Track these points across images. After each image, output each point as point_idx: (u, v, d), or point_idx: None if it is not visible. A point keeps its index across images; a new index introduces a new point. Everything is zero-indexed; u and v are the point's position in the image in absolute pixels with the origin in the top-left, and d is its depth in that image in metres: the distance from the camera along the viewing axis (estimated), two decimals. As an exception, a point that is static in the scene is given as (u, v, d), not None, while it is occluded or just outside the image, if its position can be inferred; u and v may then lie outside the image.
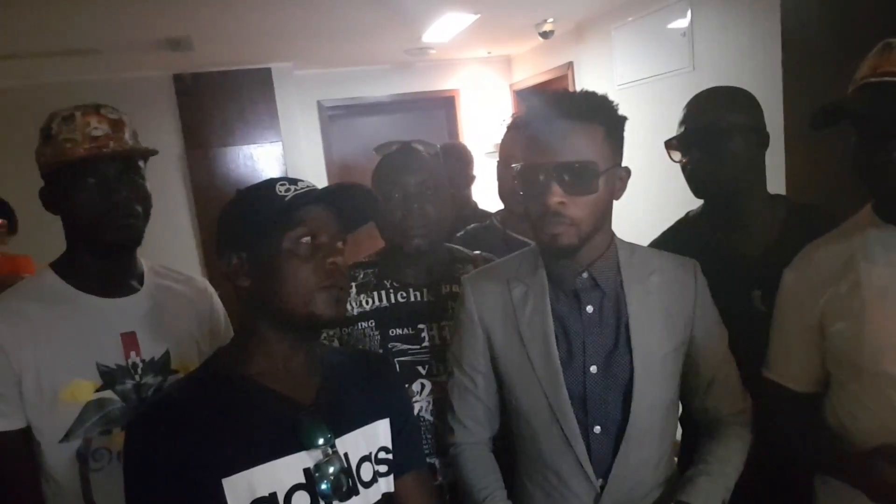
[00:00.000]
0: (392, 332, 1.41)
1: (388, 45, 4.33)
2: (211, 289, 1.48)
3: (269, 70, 4.49)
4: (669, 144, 1.51)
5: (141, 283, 1.32)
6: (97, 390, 1.20)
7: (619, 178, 1.15)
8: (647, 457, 1.18)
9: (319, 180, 4.94)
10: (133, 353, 1.24)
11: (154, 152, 1.30)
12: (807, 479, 1.29)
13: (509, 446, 1.29)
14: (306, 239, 0.98)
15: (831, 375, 1.24)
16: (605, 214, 1.16)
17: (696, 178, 1.47)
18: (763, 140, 1.46)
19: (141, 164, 1.27)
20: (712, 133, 1.41)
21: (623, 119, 1.15)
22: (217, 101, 4.38)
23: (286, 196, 0.98)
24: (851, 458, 1.14)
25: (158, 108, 4.29)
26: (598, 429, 1.16)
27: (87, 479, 1.20)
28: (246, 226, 1.01)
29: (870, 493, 1.09)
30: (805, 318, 1.23)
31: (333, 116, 5.05)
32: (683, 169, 1.49)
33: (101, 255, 1.26)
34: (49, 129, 1.21)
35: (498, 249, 1.61)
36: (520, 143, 1.80)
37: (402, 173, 1.38)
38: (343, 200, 1.04)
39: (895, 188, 1.08)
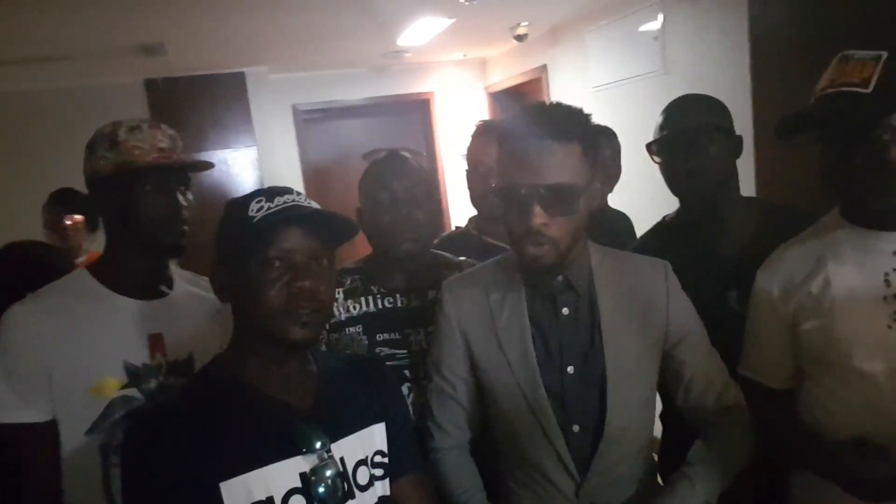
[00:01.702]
0: (379, 337, 1.43)
1: (364, 49, 4.34)
2: None
3: (243, 74, 4.47)
4: (650, 148, 1.55)
5: (170, 287, 1.37)
6: (122, 388, 1.25)
7: (595, 192, 1.17)
8: (624, 452, 1.20)
9: (295, 184, 4.90)
10: (158, 354, 1.29)
11: (211, 165, 1.40)
12: (781, 473, 1.34)
13: (491, 450, 1.31)
14: (277, 262, 0.96)
15: (804, 372, 1.29)
16: (584, 229, 1.19)
17: (677, 180, 1.51)
18: (739, 145, 1.51)
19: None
20: (697, 135, 1.45)
21: (598, 132, 1.17)
22: (190, 106, 4.34)
23: (255, 217, 0.97)
24: (825, 451, 1.18)
25: (129, 114, 4.19)
26: (576, 427, 1.18)
27: (108, 473, 1.24)
28: (222, 244, 1.02)
29: (843, 484, 1.13)
30: (778, 317, 1.27)
31: (308, 120, 5.04)
32: (664, 171, 1.53)
33: (146, 258, 1.32)
34: (115, 135, 1.27)
35: (475, 256, 1.63)
36: (494, 151, 1.80)
37: (391, 179, 1.41)
38: (318, 223, 1.01)
39: (860, 193, 1.12)
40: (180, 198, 1.31)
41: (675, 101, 1.55)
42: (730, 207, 1.51)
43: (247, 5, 2.93)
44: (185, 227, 1.32)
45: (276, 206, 0.98)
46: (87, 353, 1.23)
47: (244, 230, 0.97)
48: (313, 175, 5.03)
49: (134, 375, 1.26)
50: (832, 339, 1.18)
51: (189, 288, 1.41)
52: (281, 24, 3.37)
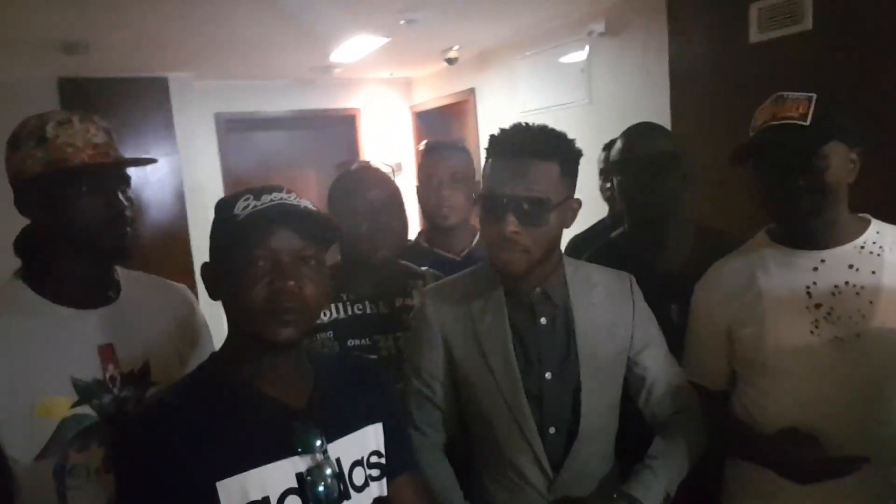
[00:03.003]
0: (350, 343, 1.47)
1: (293, 61, 4.33)
2: (191, 295, 1.45)
3: (165, 79, 4.34)
4: (612, 167, 1.68)
5: (117, 292, 1.28)
6: (73, 406, 1.16)
7: (570, 209, 1.27)
8: (594, 451, 1.30)
9: (216, 194, 4.77)
10: (111, 367, 1.21)
11: (154, 161, 1.31)
12: (717, 463, 1.48)
13: (466, 450, 1.37)
14: (261, 261, 0.95)
15: (738, 374, 1.44)
16: (556, 242, 1.27)
17: (636, 201, 1.63)
18: (688, 175, 1.67)
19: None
20: (662, 162, 1.59)
21: (579, 153, 1.27)
22: (109, 110, 4.11)
23: (240, 215, 0.96)
24: (761, 442, 1.33)
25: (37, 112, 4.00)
26: (552, 429, 1.27)
27: (65, 497, 1.17)
28: (211, 241, 1.02)
29: (778, 470, 1.27)
30: (716, 326, 1.42)
31: (231, 130, 4.94)
32: (622, 191, 1.66)
33: (90, 263, 1.23)
34: (43, 131, 1.15)
35: (425, 267, 1.69)
36: (446, 165, 1.93)
37: (367, 189, 1.46)
38: (305, 222, 0.99)
39: (795, 212, 1.29)
40: (121, 197, 1.21)
41: (638, 126, 1.70)
42: (674, 228, 1.66)
43: (175, 9, 2.87)
44: (129, 229, 1.23)
45: (263, 204, 0.97)
46: (30, 373, 1.13)
47: (230, 228, 0.96)
48: (235, 185, 4.88)
49: (84, 392, 1.17)
50: (764, 344, 1.34)
51: (138, 290, 1.32)
52: (209, 31, 3.32)
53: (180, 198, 4.38)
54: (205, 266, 1.03)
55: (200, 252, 4.49)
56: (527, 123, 1.24)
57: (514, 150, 1.20)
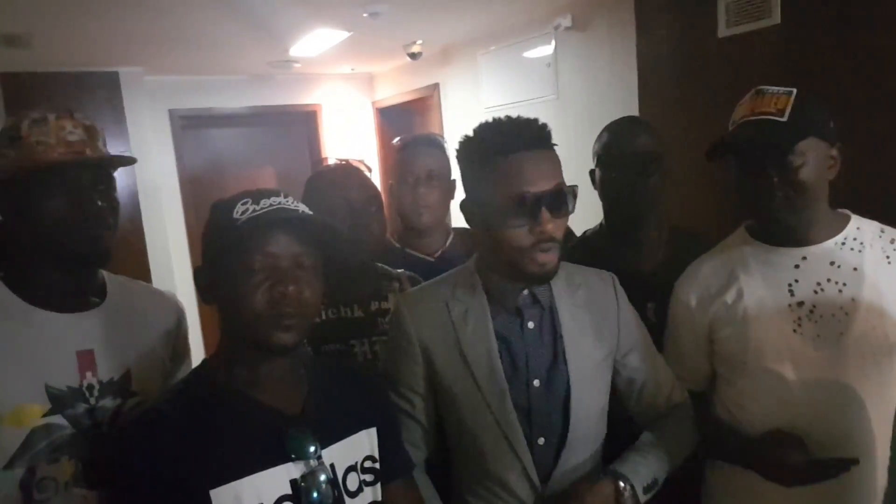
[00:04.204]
0: (324, 348, 1.40)
1: (251, 56, 4.20)
2: (180, 304, 1.41)
3: (116, 74, 4.16)
4: (598, 162, 1.63)
5: (102, 297, 1.24)
6: (45, 415, 1.12)
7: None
8: (583, 460, 1.24)
9: (172, 192, 4.66)
10: (89, 374, 1.16)
11: (133, 161, 1.25)
12: (697, 465, 1.46)
13: (447, 466, 1.30)
14: (261, 267, 0.95)
15: (718, 374, 1.42)
16: None
17: (619, 198, 1.59)
18: (668, 174, 1.63)
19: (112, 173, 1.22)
20: (649, 160, 1.55)
21: None
22: (56, 106, 3.93)
23: (239, 220, 0.96)
24: (745, 444, 1.31)
25: (-25, 111, 3.80)
26: (542, 440, 1.20)
27: None
28: (207, 246, 1.01)
29: (763, 473, 1.26)
30: (696, 326, 1.40)
31: (186, 127, 4.77)
32: (605, 187, 1.61)
33: (63, 267, 1.18)
34: (17, 130, 1.13)
35: (397, 268, 1.64)
36: (423, 161, 1.86)
37: (348, 189, 1.40)
38: (303, 227, 0.99)
39: (772, 209, 1.26)
40: (97, 198, 1.16)
41: (624, 121, 1.65)
42: (652, 228, 1.62)
43: (124, 1, 2.72)
44: (105, 232, 1.18)
45: (262, 208, 0.97)
46: (2, 378, 1.09)
47: (228, 233, 0.95)
48: (190, 184, 4.75)
49: (58, 400, 1.12)
50: (747, 343, 1.32)
51: (124, 295, 1.28)
52: (162, 23, 3.16)
53: (134, 197, 4.20)
54: (198, 270, 1.02)
55: (155, 254, 4.35)
56: (514, 116, 1.16)
57: (527, 145, 1.11)
